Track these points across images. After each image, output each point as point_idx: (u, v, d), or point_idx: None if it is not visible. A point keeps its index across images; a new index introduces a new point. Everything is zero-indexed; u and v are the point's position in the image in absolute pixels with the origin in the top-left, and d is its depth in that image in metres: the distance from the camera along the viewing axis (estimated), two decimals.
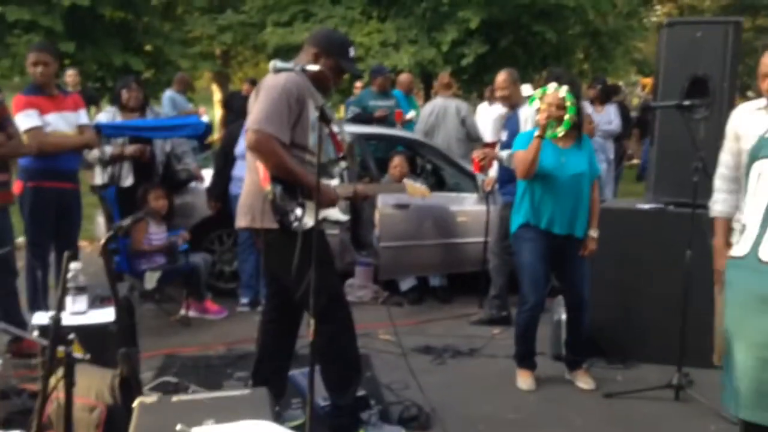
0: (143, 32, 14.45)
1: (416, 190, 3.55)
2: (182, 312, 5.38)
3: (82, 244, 7.13)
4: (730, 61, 4.45)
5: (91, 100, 10.86)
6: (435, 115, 7.11)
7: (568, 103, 3.99)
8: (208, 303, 5.52)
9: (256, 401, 1.89)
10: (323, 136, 3.27)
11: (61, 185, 4.77)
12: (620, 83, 16.09)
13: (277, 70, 2.96)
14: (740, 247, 2.36)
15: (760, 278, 2.20)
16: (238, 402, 1.91)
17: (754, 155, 2.45)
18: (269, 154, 3.10)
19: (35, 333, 3.01)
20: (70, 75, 10.64)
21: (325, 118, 2.80)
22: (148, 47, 14.77)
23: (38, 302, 4.48)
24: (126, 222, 2.26)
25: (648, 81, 20.93)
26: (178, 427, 1.59)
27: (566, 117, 4.00)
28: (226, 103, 11.85)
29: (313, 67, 3.02)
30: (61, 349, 2.16)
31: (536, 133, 3.95)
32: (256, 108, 3.16)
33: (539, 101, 4.04)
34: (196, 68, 15.35)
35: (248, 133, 3.14)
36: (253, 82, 12.24)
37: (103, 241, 2.20)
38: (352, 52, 3.41)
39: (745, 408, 2.35)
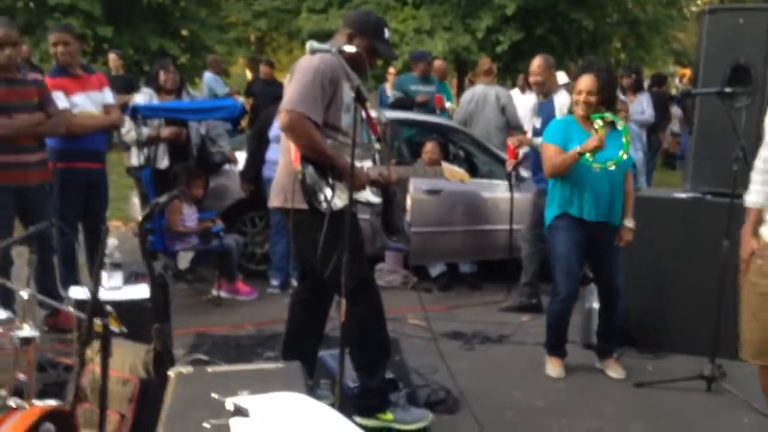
0: (180, 17, 14.60)
1: (455, 174, 3.54)
2: (214, 292, 5.45)
3: (116, 224, 7.26)
4: None
5: (130, 85, 11.04)
6: (475, 102, 7.04)
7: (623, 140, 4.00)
8: (239, 284, 5.57)
9: (290, 374, 1.91)
10: (359, 117, 3.28)
11: (90, 166, 4.84)
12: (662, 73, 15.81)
13: (314, 51, 2.95)
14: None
15: None
16: (272, 374, 1.93)
17: None
18: (301, 135, 3.11)
19: (71, 307, 3.08)
20: (113, 59, 10.81)
21: (361, 99, 2.79)
22: (184, 32, 14.92)
23: (70, 279, 4.56)
24: (162, 199, 2.28)
25: (686, 72, 20.56)
26: (214, 396, 1.61)
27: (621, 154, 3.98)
28: (248, 90, 11.94)
29: (351, 49, 3.01)
30: (98, 322, 2.20)
31: (578, 150, 3.91)
32: (290, 89, 3.17)
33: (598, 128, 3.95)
34: (231, 53, 15.48)
35: (281, 114, 3.16)
36: (270, 64, 12.29)
37: (140, 218, 2.22)
38: (387, 34, 3.39)
39: None
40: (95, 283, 2.03)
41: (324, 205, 3.14)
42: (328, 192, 3.17)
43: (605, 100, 4.02)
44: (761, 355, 3.12)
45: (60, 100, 4.57)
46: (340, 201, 3.20)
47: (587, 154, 3.89)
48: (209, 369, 2.01)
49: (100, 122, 4.84)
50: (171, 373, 1.86)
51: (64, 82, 4.66)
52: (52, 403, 2.18)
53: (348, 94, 3.27)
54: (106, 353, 2.01)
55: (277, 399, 1.63)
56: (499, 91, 7.21)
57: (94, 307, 2.01)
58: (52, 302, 2.62)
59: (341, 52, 2.98)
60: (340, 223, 3.15)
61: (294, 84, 3.17)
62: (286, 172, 3.34)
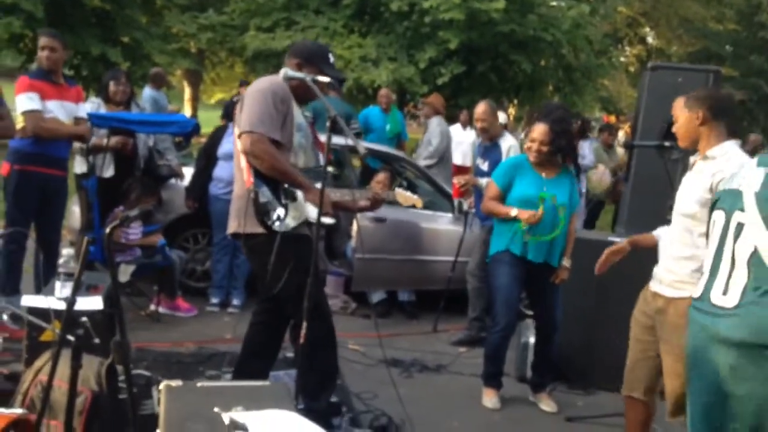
0: (123, 24, 14.33)
1: (408, 199, 3.65)
2: (152, 307, 5.37)
3: None
4: None
5: None
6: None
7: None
8: (179, 300, 5.51)
9: (277, 392, 1.96)
10: (308, 142, 3.37)
11: (49, 171, 4.78)
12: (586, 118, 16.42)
13: (288, 79, 3.04)
14: (697, 289, 2.56)
15: (712, 319, 2.38)
16: (260, 391, 1.97)
17: (712, 206, 2.65)
18: (264, 155, 3.18)
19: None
20: None
21: (337, 129, 2.89)
22: (125, 39, 14.64)
23: (13, 285, 4.44)
24: (134, 213, 2.30)
25: (612, 118, 21.43)
26: (216, 409, 1.64)
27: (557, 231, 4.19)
28: (225, 113, 11.20)
29: (324, 79, 3.12)
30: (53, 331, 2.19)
31: (514, 214, 4.10)
32: (246, 112, 3.24)
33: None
34: (172, 64, 15.27)
35: (242, 137, 3.21)
36: (247, 84, 12.17)
37: (108, 229, 2.23)
38: (332, 59, 3.54)
39: None
40: (73, 293, 2.03)
41: (277, 224, 3.20)
42: (281, 211, 3.23)
43: (559, 148, 4.17)
44: (625, 386, 3.39)
45: (34, 101, 4.55)
46: (292, 221, 3.27)
47: (522, 223, 4.07)
48: (198, 384, 2.03)
49: (68, 130, 4.82)
50: (160, 386, 1.88)
51: (43, 86, 4.66)
52: (17, 411, 2.15)
53: (299, 117, 3.37)
54: (76, 364, 2.00)
55: (272, 416, 1.68)
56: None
57: (69, 316, 2.01)
58: (26, 314, 2.58)
59: (316, 81, 3.07)
60: (292, 244, 3.22)
61: (248, 107, 3.24)
62: (239, 196, 3.39)
